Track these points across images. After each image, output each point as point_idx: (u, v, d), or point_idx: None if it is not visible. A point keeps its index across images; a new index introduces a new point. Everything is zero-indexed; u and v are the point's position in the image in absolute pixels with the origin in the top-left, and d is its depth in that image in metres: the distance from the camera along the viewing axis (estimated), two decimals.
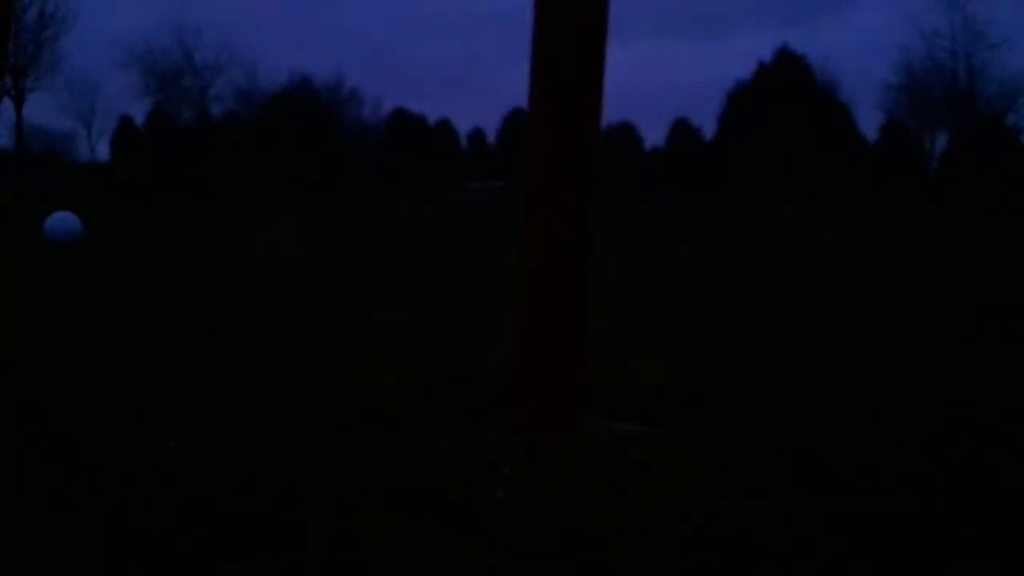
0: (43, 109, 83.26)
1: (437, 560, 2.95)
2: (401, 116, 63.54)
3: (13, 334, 6.78)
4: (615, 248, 13.50)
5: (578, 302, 4.31)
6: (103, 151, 63.49)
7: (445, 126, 65.14)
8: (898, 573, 2.93)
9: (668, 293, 9.51)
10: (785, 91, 54.99)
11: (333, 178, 50.37)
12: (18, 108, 49.64)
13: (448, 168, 59.92)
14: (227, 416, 4.52)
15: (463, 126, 66.25)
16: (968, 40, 50.69)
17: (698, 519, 3.24)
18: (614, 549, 3.03)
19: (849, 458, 3.97)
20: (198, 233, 19.59)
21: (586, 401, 4.46)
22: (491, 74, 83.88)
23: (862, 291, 9.92)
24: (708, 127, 61.69)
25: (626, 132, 59.74)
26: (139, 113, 61.37)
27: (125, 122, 61.64)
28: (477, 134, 65.50)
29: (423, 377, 5.34)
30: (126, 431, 4.27)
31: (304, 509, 3.31)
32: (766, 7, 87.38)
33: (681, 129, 61.80)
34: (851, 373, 5.64)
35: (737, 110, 58.44)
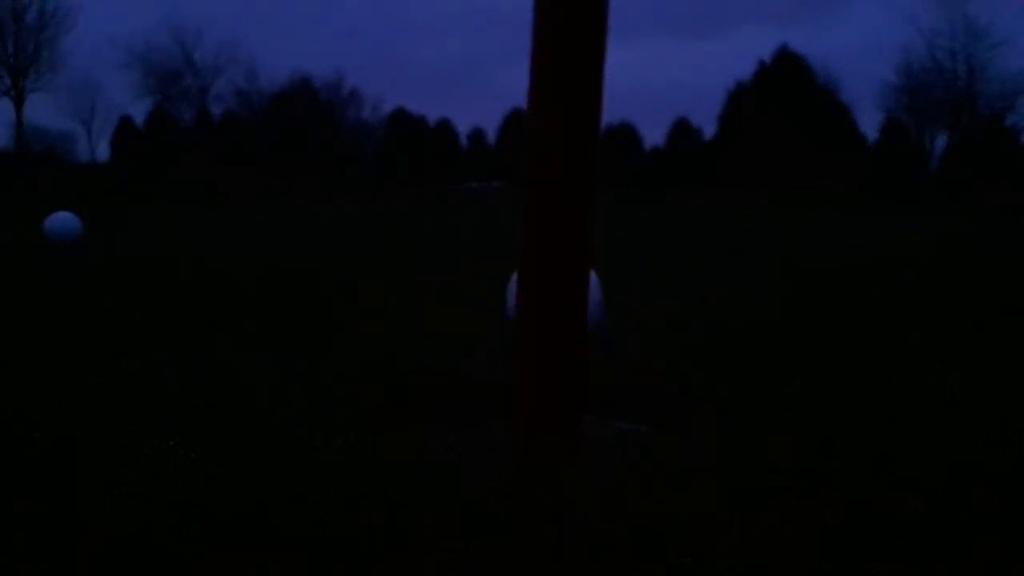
0: (43, 109, 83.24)
1: (437, 559, 2.95)
2: (401, 116, 63.47)
3: (12, 334, 6.78)
4: (615, 248, 13.50)
5: (578, 302, 4.31)
6: (103, 151, 63.45)
7: (445, 126, 65.08)
8: (898, 573, 2.93)
9: (668, 293, 9.51)
10: (785, 91, 54.93)
11: (333, 178, 50.36)
12: (18, 108, 49.57)
13: (448, 168, 59.81)
14: (226, 415, 4.53)
15: (463, 126, 66.26)
16: (968, 40, 50.64)
17: (698, 519, 3.24)
18: (614, 549, 3.03)
19: (849, 458, 3.97)
20: (197, 232, 19.58)
21: (586, 401, 4.46)
22: (491, 74, 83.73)
23: (862, 291, 9.91)
24: (708, 127, 61.75)
25: (626, 132, 59.63)
26: (139, 113, 61.40)
27: (125, 122, 61.52)
28: (477, 134, 65.39)
29: (423, 378, 5.35)
30: (124, 431, 4.27)
31: (304, 509, 3.31)
32: (766, 7, 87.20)
33: (681, 129, 61.71)
34: (851, 373, 5.64)
35: (737, 110, 58.34)
